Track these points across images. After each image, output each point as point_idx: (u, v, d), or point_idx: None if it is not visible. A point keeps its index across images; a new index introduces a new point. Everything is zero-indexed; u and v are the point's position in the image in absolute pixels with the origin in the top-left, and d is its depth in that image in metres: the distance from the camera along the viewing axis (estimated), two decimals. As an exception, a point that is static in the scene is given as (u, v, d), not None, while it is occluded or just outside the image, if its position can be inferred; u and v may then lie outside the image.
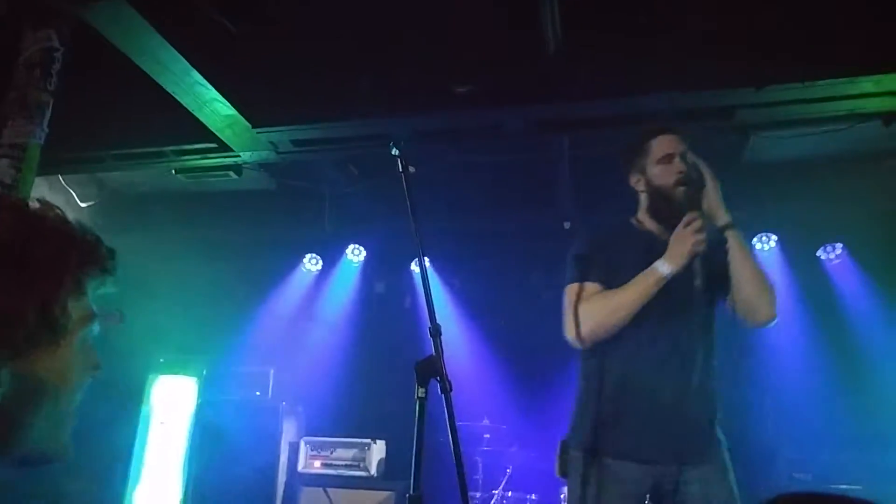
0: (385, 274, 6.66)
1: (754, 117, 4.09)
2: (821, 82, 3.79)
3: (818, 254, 5.74)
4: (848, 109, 4.05)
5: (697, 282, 2.27)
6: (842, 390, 5.12)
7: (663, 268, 2.27)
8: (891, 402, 4.89)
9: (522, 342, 5.82)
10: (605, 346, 2.34)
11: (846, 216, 5.31)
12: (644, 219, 2.55)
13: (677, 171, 2.40)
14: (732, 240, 2.35)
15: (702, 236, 2.26)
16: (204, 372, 6.01)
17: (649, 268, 2.30)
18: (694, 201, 2.32)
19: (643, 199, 2.54)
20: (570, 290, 2.40)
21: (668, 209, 2.41)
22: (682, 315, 2.30)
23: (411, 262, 6.34)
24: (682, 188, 2.38)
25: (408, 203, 2.22)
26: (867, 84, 3.82)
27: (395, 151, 2.26)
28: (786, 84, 3.79)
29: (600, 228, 2.65)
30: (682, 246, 2.26)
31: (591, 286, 2.37)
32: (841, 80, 3.78)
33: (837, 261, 5.69)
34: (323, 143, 4.47)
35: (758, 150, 4.89)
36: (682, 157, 2.43)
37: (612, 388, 2.33)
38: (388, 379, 5.72)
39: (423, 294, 2.11)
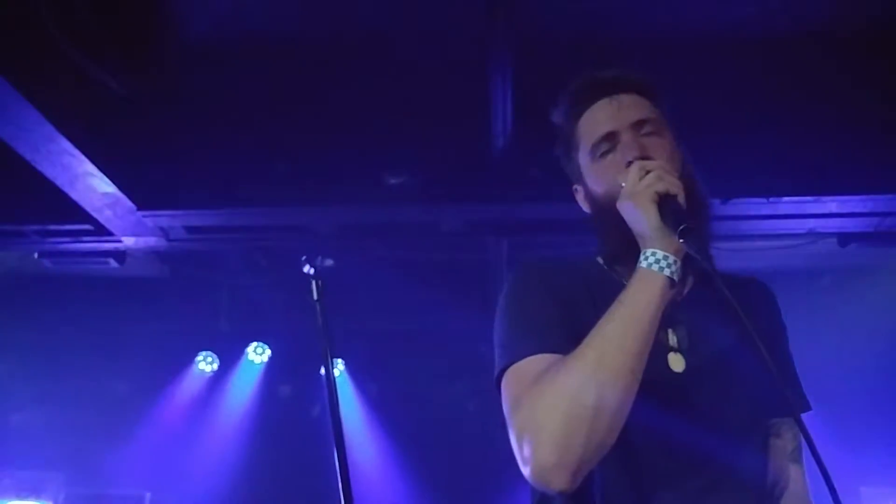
0: (292, 376, 5.83)
1: (717, 229, 3.72)
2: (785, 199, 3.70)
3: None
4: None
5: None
6: None
7: (646, 260, 1.20)
8: None
9: (446, 459, 5.09)
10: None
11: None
12: (608, 262, 1.46)
13: (624, 160, 1.30)
14: None
15: (658, 175, 1.23)
16: (61, 496, 4.93)
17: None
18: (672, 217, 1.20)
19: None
20: (514, 375, 1.23)
21: (622, 238, 1.28)
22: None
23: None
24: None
25: (324, 339, 1.68)
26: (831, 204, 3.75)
27: (308, 270, 1.64)
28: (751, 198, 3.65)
29: (560, 268, 1.42)
30: (641, 200, 1.21)
31: (546, 359, 1.19)
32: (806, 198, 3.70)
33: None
34: (224, 232, 3.78)
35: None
36: (637, 130, 1.34)
37: None
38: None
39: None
